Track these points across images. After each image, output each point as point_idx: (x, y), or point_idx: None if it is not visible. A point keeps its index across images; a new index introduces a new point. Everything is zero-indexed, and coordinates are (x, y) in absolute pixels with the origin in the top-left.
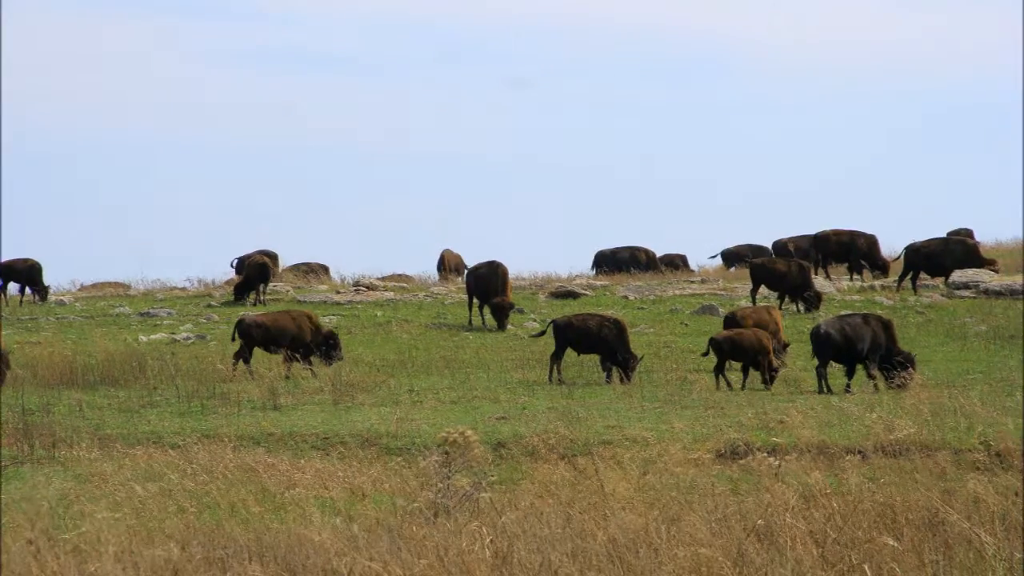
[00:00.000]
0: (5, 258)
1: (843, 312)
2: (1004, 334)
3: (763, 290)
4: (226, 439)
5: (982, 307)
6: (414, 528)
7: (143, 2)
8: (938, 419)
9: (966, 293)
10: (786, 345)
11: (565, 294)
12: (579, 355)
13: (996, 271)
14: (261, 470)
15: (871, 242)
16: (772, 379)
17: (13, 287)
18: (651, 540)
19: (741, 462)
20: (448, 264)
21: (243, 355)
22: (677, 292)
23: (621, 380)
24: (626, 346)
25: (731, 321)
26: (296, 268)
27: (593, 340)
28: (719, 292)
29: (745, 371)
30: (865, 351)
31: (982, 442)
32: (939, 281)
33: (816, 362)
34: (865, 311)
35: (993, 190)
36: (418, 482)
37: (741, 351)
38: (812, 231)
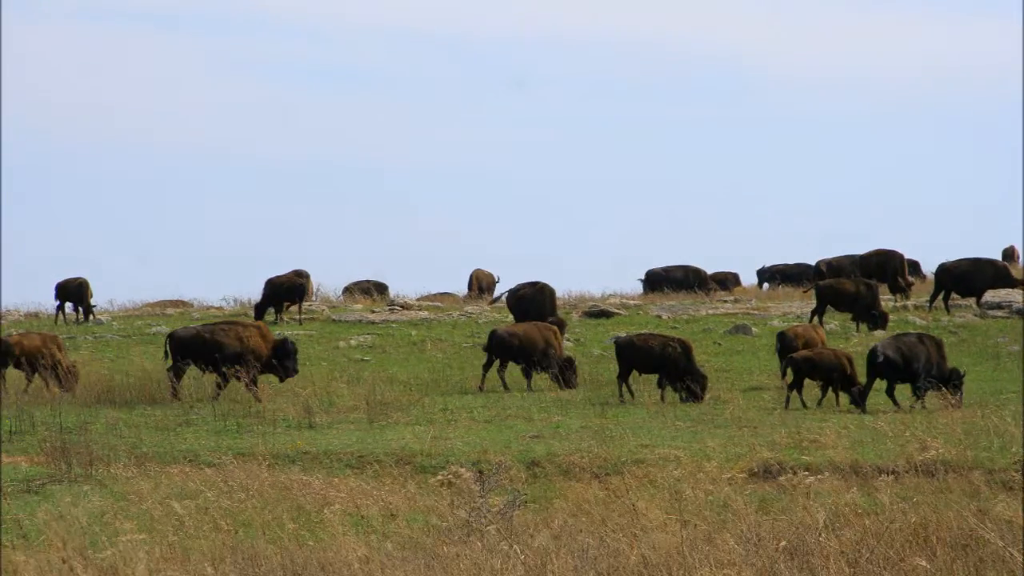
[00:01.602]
0: (60, 278)
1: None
2: None
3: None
4: (261, 457)
5: (1015, 327)
6: (448, 547)
7: (170, 19)
8: (971, 438)
9: (999, 313)
10: None
11: (599, 313)
12: (640, 375)
13: None
14: (296, 488)
15: (903, 262)
16: (861, 398)
17: (69, 307)
18: (684, 559)
19: (775, 481)
20: (479, 283)
21: (489, 363)
22: (710, 311)
23: (661, 398)
24: (693, 366)
25: (785, 340)
26: (356, 286)
27: (655, 360)
28: (752, 311)
29: (824, 390)
30: (920, 370)
31: (1017, 461)
32: (971, 301)
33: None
34: (898, 331)
35: None
36: (452, 501)
37: (820, 370)
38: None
